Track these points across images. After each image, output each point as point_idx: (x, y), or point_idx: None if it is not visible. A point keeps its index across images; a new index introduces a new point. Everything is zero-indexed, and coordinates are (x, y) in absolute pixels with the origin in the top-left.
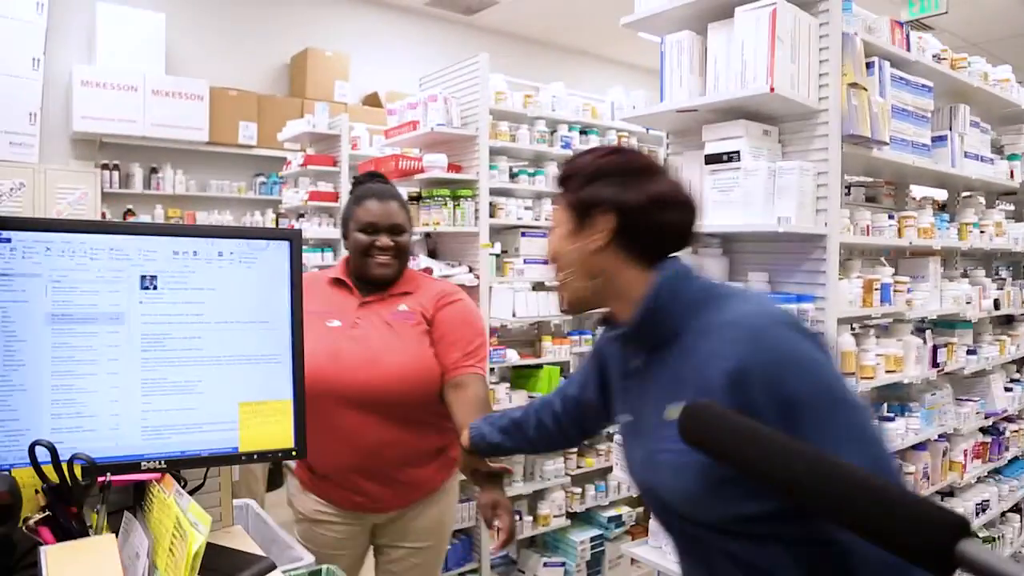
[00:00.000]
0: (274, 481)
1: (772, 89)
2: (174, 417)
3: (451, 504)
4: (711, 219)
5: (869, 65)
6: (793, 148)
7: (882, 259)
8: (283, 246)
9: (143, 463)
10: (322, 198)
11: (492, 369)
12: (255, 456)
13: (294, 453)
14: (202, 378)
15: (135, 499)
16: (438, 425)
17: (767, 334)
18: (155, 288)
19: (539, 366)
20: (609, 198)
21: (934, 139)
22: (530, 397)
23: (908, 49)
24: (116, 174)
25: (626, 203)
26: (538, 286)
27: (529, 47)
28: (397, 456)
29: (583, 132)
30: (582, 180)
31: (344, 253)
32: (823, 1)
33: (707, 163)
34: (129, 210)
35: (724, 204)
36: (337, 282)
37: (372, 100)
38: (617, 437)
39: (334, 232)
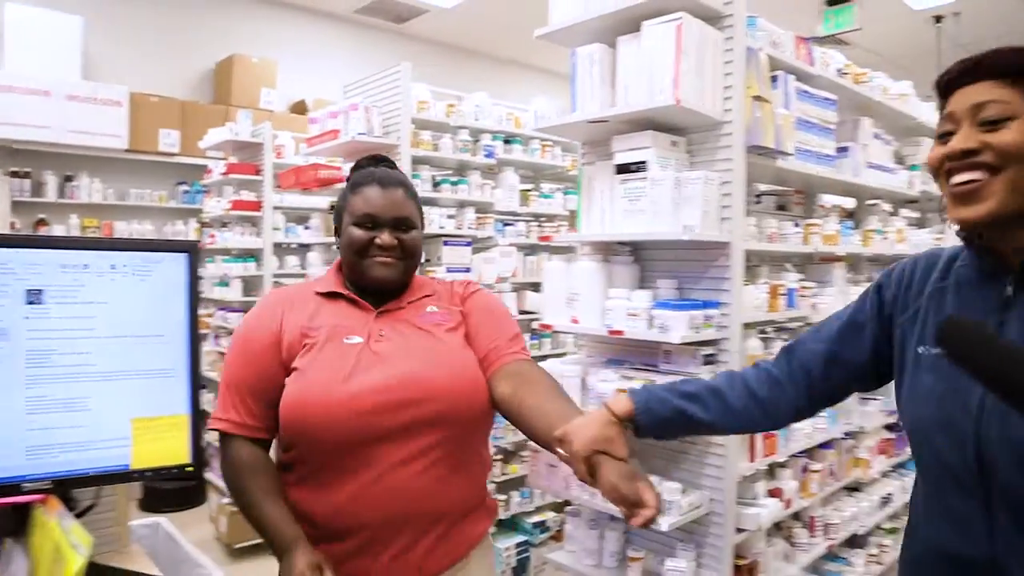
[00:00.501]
0: (194, 498)
1: (678, 101)
2: (61, 435)
3: (492, 558)
4: (622, 228)
5: (774, 79)
6: (700, 158)
7: (787, 265)
8: (180, 258)
9: (25, 484)
10: (245, 207)
11: None
12: (148, 473)
13: (190, 469)
14: (92, 394)
15: (19, 523)
16: (482, 454)
17: None
18: (41, 303)
19: None
20: None
21: (838, 150)
22: None
23: (812, 64)
24: (27, 182)
25: None
26: None
27: (460, 56)
28: (448, 496)
29: (507, 141)
30: None
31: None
32: (728, 17)
33: (617, 173)
34: (41, 219)
35: (633, 213)
36: (333, 296)
37: (300, 108)
38: (920, 377)
39: (257, 241)
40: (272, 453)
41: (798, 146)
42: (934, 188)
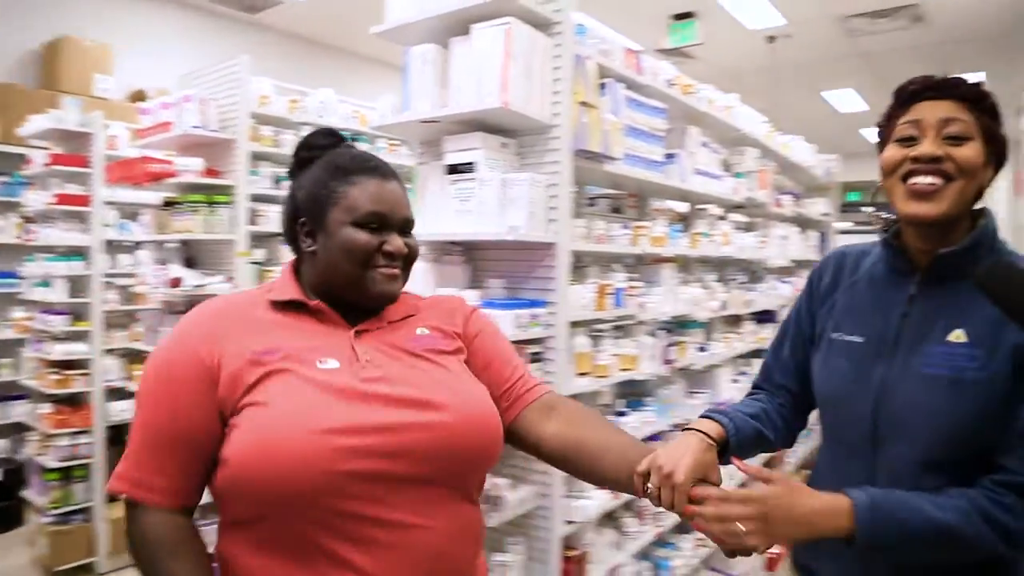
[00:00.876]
0: (9, 521)
1: (505, 104)
2: None
3: None
4: (453, 228)
5: (603, 86)
6: (529, 160)
7: (614, 266)
8: None
9: None
10: (71, 201)
11: None
12: None
13: None
14: None
15: None
16: (478, 502)
17: None
18: None
19: None
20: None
21: (667, 156)
22: None
23: (641, 73)
24: None
25: (1002, 138)
26: None
27: (316, 50)
28: (459, 551)
29: (352, 139)
30: (995, 110)
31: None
32: (557, 24)
33: (448, 173)
34: None
35: (463, 213)
36: (293, 308)
37: (139, 97)
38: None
39: (86, 238)
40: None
41: (628, 152)
42: (759, 195)
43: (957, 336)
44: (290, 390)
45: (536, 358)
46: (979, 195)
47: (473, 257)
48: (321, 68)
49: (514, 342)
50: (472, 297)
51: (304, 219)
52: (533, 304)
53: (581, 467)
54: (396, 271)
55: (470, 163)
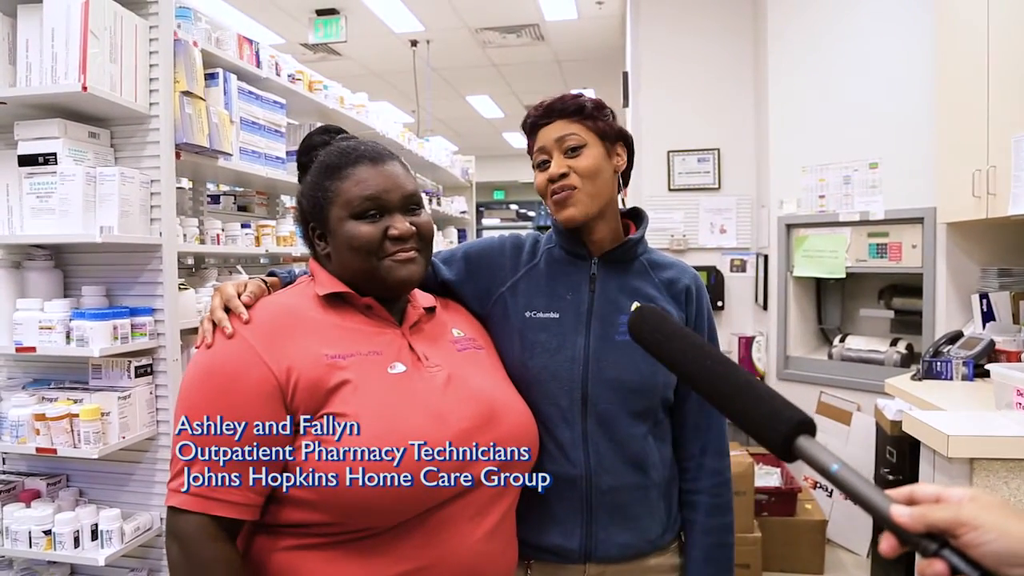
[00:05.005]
0: None
1: (85, 88)
2: None
3: None
4: (32, 229)
5: (213, 76)
6: (126, 154)
7: (239, 267)
8: None
9: None
10: None
11: None
12: None
13: None
14: None
15: None
16: None
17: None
18: None
19: None
20: (611, 124)
21: (291, 153)
22: None
23: (259, 66)
24: None
25: (615, 128)
26: None
27: None
28: (506, 566)
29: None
30: (599, 109)
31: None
32: (153, 4)
33: (21, 165)
34: None
35: (43, 212)
36: (340, 301)
37: None
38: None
39: None
40: None
41: (244, 147)
42: None
43: (635, 306)
44: (372, 401)
45: (144, 372)
46: (620, 178)
47: (64, 262)
48: None
49: (115, 356)
50: (59, 308)
51: (313, 224)
52: (135, 312)
53: None
54: (410, 253)
55: (50, 154)
